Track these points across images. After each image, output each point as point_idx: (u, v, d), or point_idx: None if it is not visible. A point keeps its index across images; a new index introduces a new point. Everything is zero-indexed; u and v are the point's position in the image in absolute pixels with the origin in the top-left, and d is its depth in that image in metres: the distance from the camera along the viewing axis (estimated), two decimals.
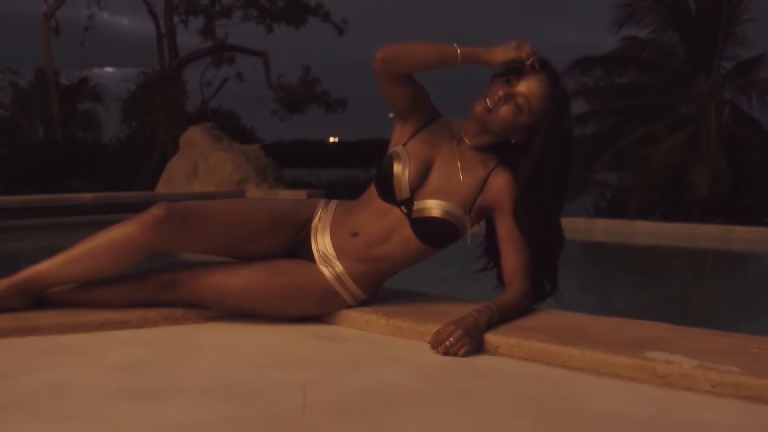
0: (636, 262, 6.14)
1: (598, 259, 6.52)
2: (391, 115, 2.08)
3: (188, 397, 1.39)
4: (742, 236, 6.33)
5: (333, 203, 2.07)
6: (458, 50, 1.83)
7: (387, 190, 1.93)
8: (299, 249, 2.00)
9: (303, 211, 2.04)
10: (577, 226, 7.54)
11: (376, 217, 1.95)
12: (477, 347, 1.69)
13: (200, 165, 10.62)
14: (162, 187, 11.08)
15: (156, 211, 1.87)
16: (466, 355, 1.66)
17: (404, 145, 1.97)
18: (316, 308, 1.97)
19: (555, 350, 1.60)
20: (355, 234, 1.96)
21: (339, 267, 1.94)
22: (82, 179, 13.66)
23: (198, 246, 1.97)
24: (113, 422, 1.26)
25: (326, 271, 1.95)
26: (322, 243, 1.97)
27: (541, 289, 1.96)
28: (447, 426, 1.27)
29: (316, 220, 2.02)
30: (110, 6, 16.25)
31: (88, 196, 8.81)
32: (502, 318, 1.77)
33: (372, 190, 1.99)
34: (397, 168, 1.92)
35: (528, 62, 1.81)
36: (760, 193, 12.31)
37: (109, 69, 42.15)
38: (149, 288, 1.96)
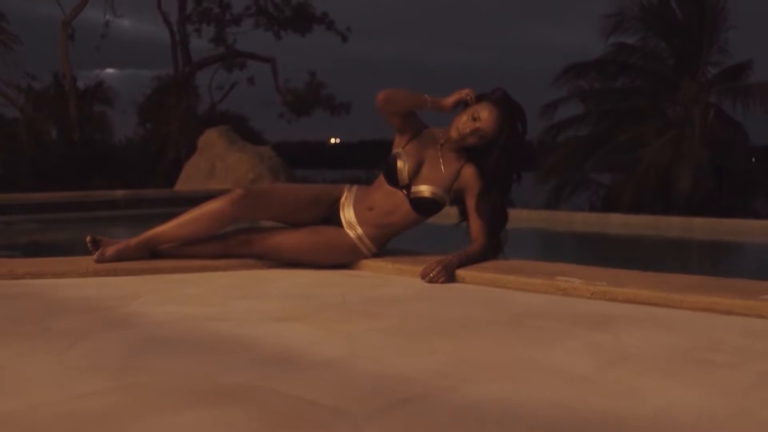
0: (607, 248, 7.05)
1: (574, 245, 7.44)
2: None
3: (272, 298, 2.32)
4: (700, 226, 7.25)
5: (354, 187, 3.00)
6: (429, 100, 2.81)
7: (393, 178, 2.85)
8: (332, 218, 2.92)
9: (334, 192, 2.97)
10: (558, 218, 8.48)
11: (385, 197, 2.88)
12: (451, 278, 2.60)
13: (217, 164, 11.56)
14: (180, 185, 12.00)
15: (238, 191, 2.79)
16: (443, 282, 2.58)
17: (404, 147, 2.89)
18: (344, 259, 2.90)
19: (499, 278, 2.52)
20: (370, 209, 2.88)
21: (359, 230, 2.87)
22: (101, 178, 14.57)
23: (264, 216, 2.90)
24: (234, 307, 2.18)
25: (351, 234, 2.87)
26: (348, 214, 2.89)
27: (495, 246, 2.87)
28: (424, 309, 2.19)
29: (343, 198, 2.94)
30: (108, 7, 17.15)
31: (119, 193, 9.73)
32: (469, 261, 2.70)
33: (381, 178, 2.92)
34: (400, 164, 2.84)
35: (468, 100, 2.80)
36: (742, 191, 13.21)
37: (110, 70, 42.94)
38: (231, 245, 2.89)
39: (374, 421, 1.25)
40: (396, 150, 2.92)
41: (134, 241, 2.84)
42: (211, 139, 12.04)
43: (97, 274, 2.70)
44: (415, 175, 2.86)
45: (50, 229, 8.13)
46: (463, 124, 2.80)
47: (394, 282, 2.65)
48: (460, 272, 2.63)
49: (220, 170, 11.52)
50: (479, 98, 2.84)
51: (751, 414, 1.32)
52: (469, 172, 2.87)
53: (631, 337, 1.87)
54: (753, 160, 14.62)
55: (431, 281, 2.58)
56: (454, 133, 2.83)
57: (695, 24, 13.29)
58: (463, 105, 2.84)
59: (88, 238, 2.84)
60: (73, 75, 18.03)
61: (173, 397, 1.37)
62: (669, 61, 14.11)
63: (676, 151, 12.52)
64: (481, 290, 2.50)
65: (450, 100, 2.83)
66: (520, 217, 7.09)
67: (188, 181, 12.01)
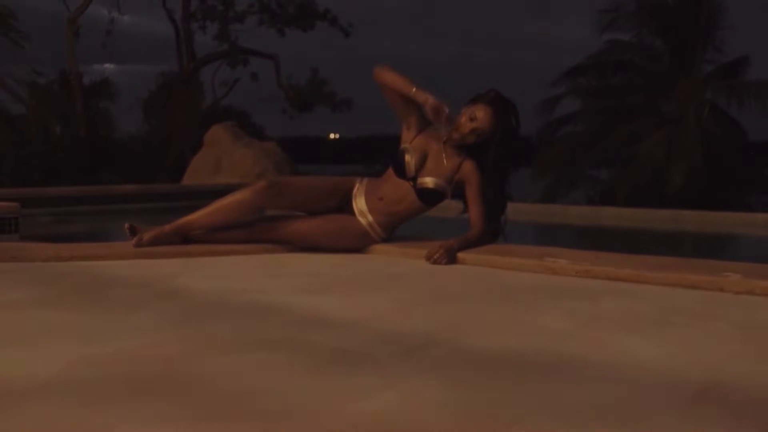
0: (599, 239, 7.37)
1: (568, 237, 7.76)
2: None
3: (296, 276, 2.65)
4: (689, 219, 7.57)
5: (365, 179, 3.33)
6: (414, 88, 3.07)
7: (401, 171, 3.18)
8: (345, 207, 3.25)
9: (347, 184, 3.30)
10: (554, 211, 8.81)
11: (394, 188, 3.20)
12: (453, 260, 2.93)
13: (224, 160, 11.88)
14: (187, 180, 12.32)
15: (262, 183, 3.12)
16: (446, 264, 2.90)
17: (410, 143, 3.21)
18: (356, 244, 3.22)
19: (494, 259, 2.85)
20: (380, 198, 3.21)
21: (370, 218, 3.19)
22: (108, 174, 14.90)
23: (285, 205, 3.23)
24: (264, 282, 2.50)
25: (362, 221, 3.19)
26: (360, 203, 3.21)
27: (493, 232, 3.21)
28: (429, 285, 2.51)
29: (355, 189, 3.26)
30: (113, 5, 17.49)
31: (130, 188, 10.06)
32: (468, 245, 3.03)
33: (390, 171, 3.24)
34: (407, 158, 3.17)
35: (445, 113, 3.04)
36: (736, 186, 13.53)
37: (109, 65, 43.30)
38: (255, 232, 3.22)
39: (392, 361, 1.57)
40: (404, 145, 3.24)
41: (168, 227, 3.16)
42: (217, 134, 12.35)
43: (135, 257, 3.02)
44: (420, 168, 3.19)
45: (65, 222, 8.45)
46: (462, 125, 3.13)
47: (402, 263, 2.97)
48: (461, 255, 2.95)
49: (226, 165, 11.84)
50: (475, 99, 3.16)
51: (691, 355, 1.65)
52: (468, 166, 3.19)
53: (606, 305, 2.19)
54: (752, 154, 14.89)
55: (435, 263, 2.90)
56: (455, 134, 3.16)
57: (691, 21, 13.53)
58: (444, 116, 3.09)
59: (126, 225, 3.16)
60: (80, 72, 18.37)
61: (226, 346, 1.70)
62: (664, 58, 14.36)
63: (672, 147, 12.81)
64: (479, 270, 2.82)
65: (431, 102, 3.02)
66: (517, 210, 7.33)
67: (195, 175, 12.32)
